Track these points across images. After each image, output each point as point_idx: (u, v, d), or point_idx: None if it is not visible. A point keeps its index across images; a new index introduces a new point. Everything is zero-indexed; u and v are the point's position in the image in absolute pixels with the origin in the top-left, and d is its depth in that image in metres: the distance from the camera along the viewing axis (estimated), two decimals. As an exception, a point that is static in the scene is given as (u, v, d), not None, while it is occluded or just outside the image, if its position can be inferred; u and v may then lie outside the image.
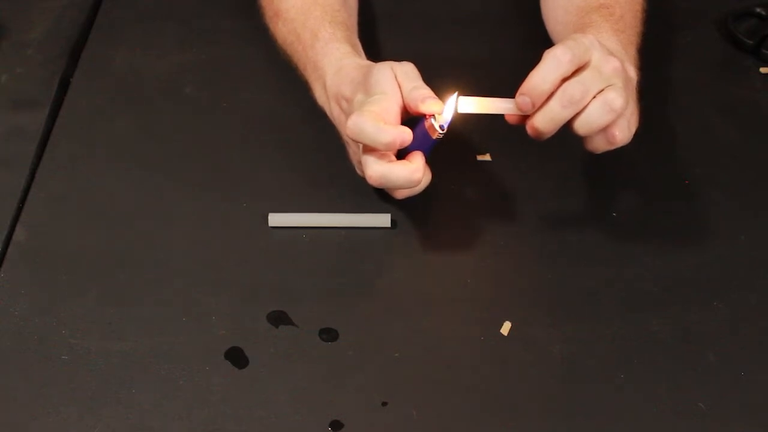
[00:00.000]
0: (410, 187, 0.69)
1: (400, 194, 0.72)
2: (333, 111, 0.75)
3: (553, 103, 0.64)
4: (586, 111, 0.64)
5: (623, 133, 0.66)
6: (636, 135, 0.69)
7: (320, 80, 0.77)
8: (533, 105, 0.65)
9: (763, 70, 0.91)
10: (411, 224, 0.76)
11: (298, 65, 0.82)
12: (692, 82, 0.89)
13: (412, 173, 0.66)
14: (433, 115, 0.66)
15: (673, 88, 0.88)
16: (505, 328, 0.69)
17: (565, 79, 0.64)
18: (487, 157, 0.81)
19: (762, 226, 0.76)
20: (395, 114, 0.67)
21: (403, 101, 0.68)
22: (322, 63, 0.76)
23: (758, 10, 0.94)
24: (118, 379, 0.65)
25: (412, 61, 0.70)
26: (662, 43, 0.93)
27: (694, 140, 0.83)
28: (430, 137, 0.67)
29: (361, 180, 0.75)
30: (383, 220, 0.75)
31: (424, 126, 0.67)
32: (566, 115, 0.64)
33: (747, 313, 0.70)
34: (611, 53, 0.66)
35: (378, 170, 0.66)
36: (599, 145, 0.67)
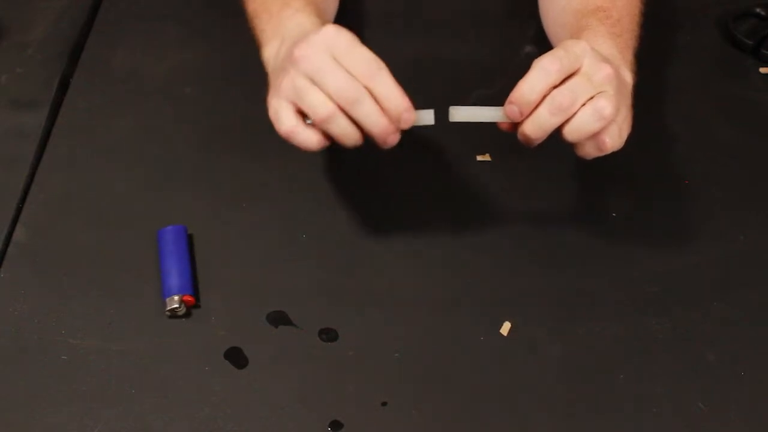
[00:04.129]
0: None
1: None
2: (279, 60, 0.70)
3: (542, 111, 0.64)
4: (576, 118, 0.64)
5: (613, 139, 0.66)
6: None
7: (280, 36, 0.72)
8: (521, 114, 0.65)
9: (763, 70, 0.91)
10: (410, 224, 0.76)
11: (260, 35, 0.76)
12: (692, 83, 0.89)
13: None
14: None
15: (672, 89, 0.88)
16: (505, 328, 0.69)
17: (555, 87, 0.64)
18: (487, 157, 0.81)
19: (762, 226, 0.76)
20: None
21: None
22: (288, 25, 0.72)
23: (758, 10, 0.94)
24: (118, 379, 0.65)
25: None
26: (662, 43, 0.93)
27: (694, 140, 0.83)
28: None
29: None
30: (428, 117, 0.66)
31: None
32: (555, 122, 0.64)
33: (747, 313, 0.70)
34: (604, 60, 0.66)
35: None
36: (589, 151, 0.67)
